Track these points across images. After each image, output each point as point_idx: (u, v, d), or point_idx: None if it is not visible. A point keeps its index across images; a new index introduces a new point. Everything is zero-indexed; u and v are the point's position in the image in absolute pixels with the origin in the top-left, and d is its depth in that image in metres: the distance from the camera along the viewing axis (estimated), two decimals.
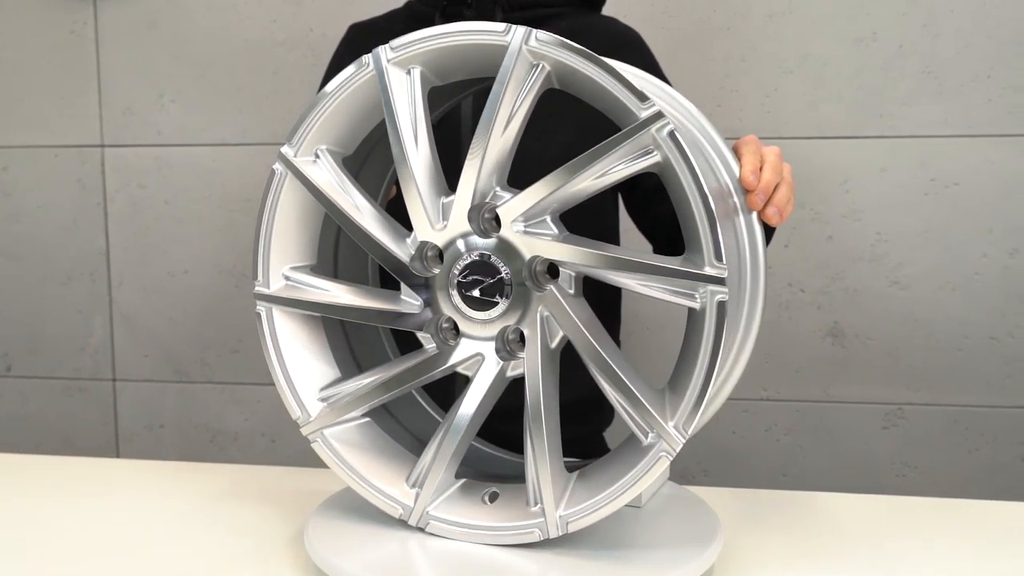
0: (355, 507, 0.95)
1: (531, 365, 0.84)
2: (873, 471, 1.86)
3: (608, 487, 0.82)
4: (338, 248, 1.01)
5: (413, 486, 0.90)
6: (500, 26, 0.82)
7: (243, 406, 2.05)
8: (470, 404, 0.88)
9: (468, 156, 0.84)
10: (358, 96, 0.90)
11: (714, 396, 0.91)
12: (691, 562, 0.83)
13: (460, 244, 0.86)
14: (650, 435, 0.82)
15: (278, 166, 0.91)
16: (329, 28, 1.91)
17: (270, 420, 2.04)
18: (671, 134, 0.77)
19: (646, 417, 0.81)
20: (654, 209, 1.25)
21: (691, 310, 0.83)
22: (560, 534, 0.84)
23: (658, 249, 1.28)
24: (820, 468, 1.87)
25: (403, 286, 0.90)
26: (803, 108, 1.78)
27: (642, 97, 0.78)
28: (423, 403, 1.02)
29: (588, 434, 1.35)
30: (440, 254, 0.87)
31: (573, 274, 0.84)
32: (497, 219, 0.84)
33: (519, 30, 0.81)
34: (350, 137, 0.94)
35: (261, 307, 0.93)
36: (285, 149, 0.91)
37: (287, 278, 0.93)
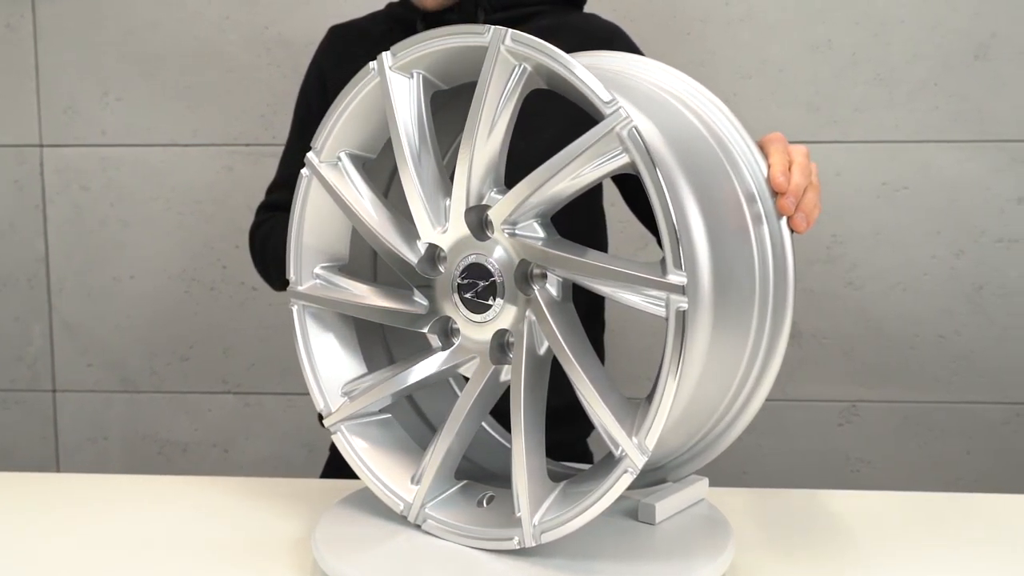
0: (368, 509, 0.94)
1: (515, 370, 0.83)
2: (829, 467, 1.91)
3: (581, 500, 0.79)
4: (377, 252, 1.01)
5: (415, 482, 0.91)
6: (480, 27, 0.81)
7: (193, 416, 1.98)
8: (464, 406, 0.88)
9: (458, 159, 0.84)
10: (370, 101, 0.91)
11: (739, 415, 0.88)
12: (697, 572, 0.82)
13: (460, 246, 0.86)
14: (620, 449, 0.78)
15: (305, 171, 0.94)
16: (285, 27, 1.86)
17: (222, 430, 1.98)
18: (631, 133, 0.73)
19: (611, 431, 0.78)
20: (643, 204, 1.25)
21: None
22: (534, 544, 0.81)
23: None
24: (779, 466, 1.91)
25: (413, 287, 0.92)
26: (761, 113, 1.81)
27: (606, 96, 0.74)
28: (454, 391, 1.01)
29: (573, 439, 1.35)
30: (433, 256, 0.89)
31: (560, 280, 0.82)
32: (480, 221, 0.84)
33: (493, 30, 0.80)
34: (371, 141, 0.95)
35: (294, 303, 0.96)
36: (311, 155, 0.93)
37: (318, 276, 0.96)
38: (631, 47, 1.28)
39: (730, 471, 1.92)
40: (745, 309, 0.81)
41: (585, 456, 1.35)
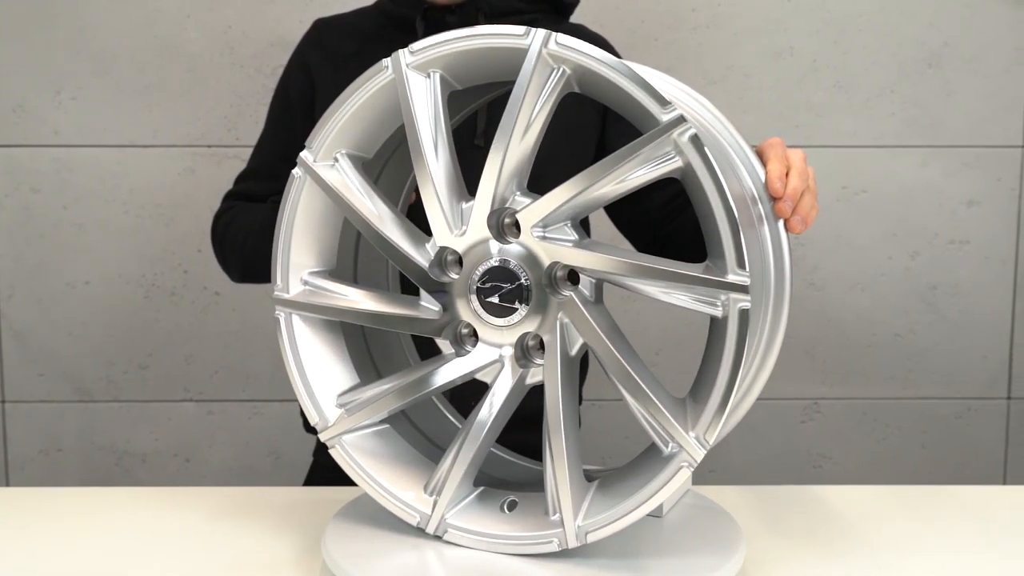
0: (372, 517, 0.93)
1: (550, 372, 0.83)
2: (792, 463, 1.96)
3: (627, 497, 0.81)
4: (358, 253, 0.98)
5: (431, 493, 0.89)
6: (520, 29, 0.81)
7: (153, 425, 1.92)
8: (489, 411, 0.87)
9: (488, 161, 0.83)
10: (378, 99, 0.88)
11: (737, 405, 0.91)
12: (715, 572, 0.84)
13: (479, 250, 0.84)
14: (671, 445, 0.81)
15: (297, 171, 0.90)
16: (249, 27, 1.82)
17: (183, 439, 1.93)
18: (693, 138, 0.76)
19: (666, 427, 0.80)
20: (668, 226, 1.22)
21: (713, 319, 0.83)
22: (578, 544, 0.82)
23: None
24: (744, 462, 1.95)
25: (422, 291, 0.89)
26: (727, 118, 1.85)
27: (663, 101, 0.76)
28: (442, 408, 0.99)
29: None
30: (459, 260, 0.86)
31: (593, 281, 0.83)
32: (517, 224, 0.83)
33: (538, 33, 0.80)
34: (370, 141, 0.92)
35: (280, 312, 0.92)
36: (305, 154, 0.89)
37: (306, 283, 0.93)
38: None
39: (698, 469, 1.94)
40: (754, 307, 0.84)
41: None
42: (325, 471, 1.29)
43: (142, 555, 0.93)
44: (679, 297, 0.79)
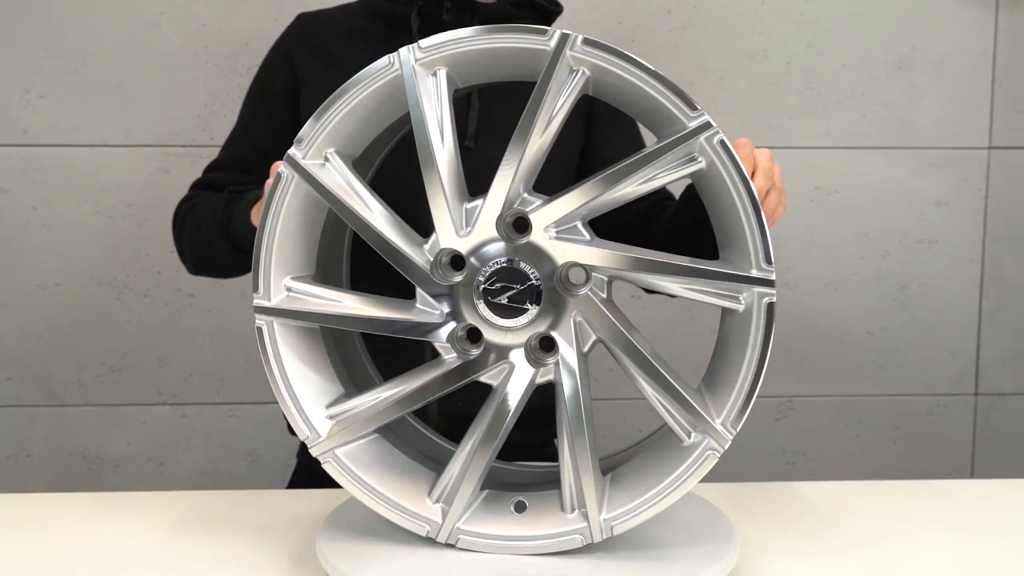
0: (364, 518, 0.91)
1: (568, 370, 0.84)
2: (767, 460, 1.98)
3: (652, 488, 0.84)
4: (342, 256, 0.97)
5: (437, 501, 0.87)
6: (540, 29, 0.82)
7: (126, 429, 1.89)
8: (498, 413, 0.86)
9: (504, 162, 0.83)
10: (373, 96, 0.86)
11: None
12: (718, 561, 0.85)
13: (485, 250, 0.84)
14: (694, 434, 0.84)
15: (284, 169, 0.86)
16: (224, 25, 1.80)
17: (157, 443, 1.90)
18: (722, 143, 0.81)
19: (693, 415, 0.83)
20: (640, 235, 1.21)
21: (725, 311, 0.86)
22: (604, 538, 0.84)
23: None
24: (720, 460, 1.97)
25: (420, 294, 0.87)
26: None
27: (692, 106, 0.81)
28: (410, 419, 0.98)
29: (539, 442, 1.35)
30: (456, 261, 0.84)
31: (604, 279, 0.84)
32: (522, 224, 0.83)
33: (559, 34, 0.81)
34: (359, 140, 0.90)
35: (261, 321, 0.86)
36: (293, 151, 0.85)
37: (289, 289, 0.88)
38: None
39: None
40: None
41: (552, 458, 1.35)
42: (309, 473, 1.27)
43: (120, 562, 0.91)
44: (697, 292, 0.82)
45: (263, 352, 0.87)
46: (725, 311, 0.86)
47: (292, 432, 1.29)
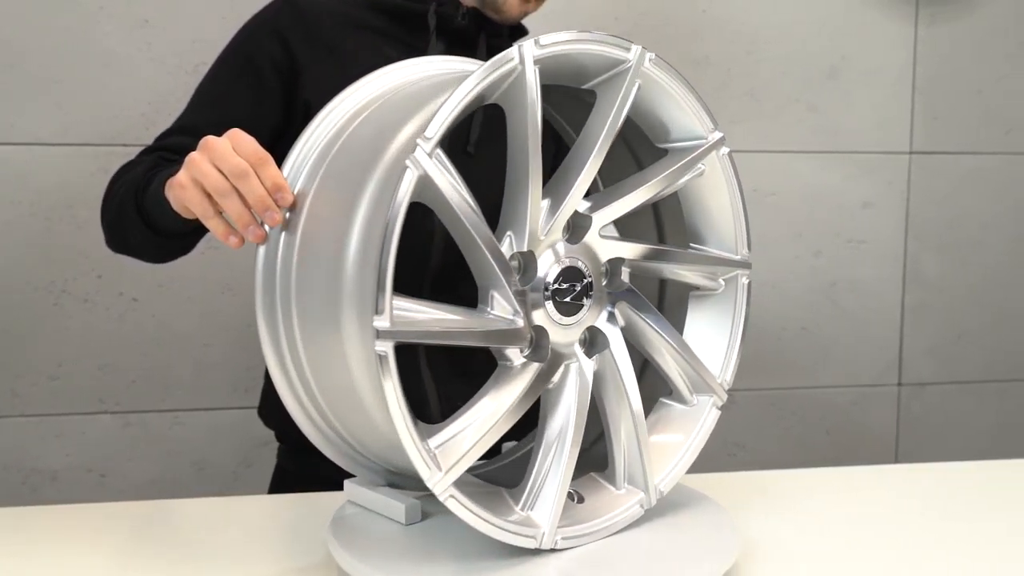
0: (369, 516, 0.88)
1: (620, 358, 0.89)
2: (709, 451, 2.05)
3: (677, 448, 0.93)
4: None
5: (526, 509, 0.83)
6: (624, 41, 0.86)
7: (64, 440, 1.81)
8: (581, 410, 0.85)
9: (587, 166, 0.84)
10: (478, 88, 0.79)
11: None
12: (721, 553, 0.87)
13: (552, 251, 0.84)
14: (696, 397, 0.95)
15: (414, 167, 0.73)
16: (169, 22, 1.75)
17: (98, 453, 1.83)
18: (730, 155, 0.93)
19: (703, 375, 0.93)
20: None
21: (694, 297, 0.98)
22: (655, 501, 0.90)
23: None
24: None
25: (494, 299, 0.81)
26: None
27: (715, 122, 0.91)
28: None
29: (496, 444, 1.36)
30: (522, 263, 0.82)
31: (628, 271, 0.92)
32: (587, 226, 0.87)
33: (639, 48, 0.86)
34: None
35: (384, 347, 0.71)
36: (420, 152, 0.73)
37: (396, 306, 0.75)
38: None
39: None
40: None
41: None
42: (291, 477, 1.25)
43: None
44: (690, 275, 0.94)
45: (387, 382, 0.72)
46: (695, 296, 0.98)
47: (282, 438, 1.27)
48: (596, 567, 0.81)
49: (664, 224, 1.02)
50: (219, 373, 1.83)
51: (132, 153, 1.76)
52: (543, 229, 0.83)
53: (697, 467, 0.97)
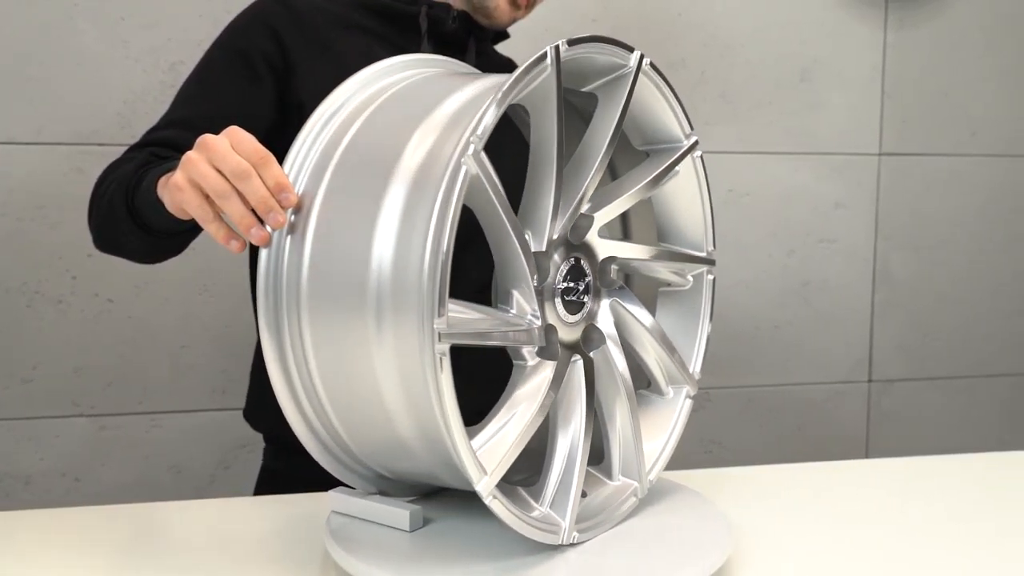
0: (365, 518, 0.88)
1: (616, 353, 0.91)
2: (686, 449, 2.08)
3: (658, 439, 0.96)
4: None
5: (546, 505, 0.84)
6: (627, 46, 0.87)
7: (38, 443, 1.78)
8: (587, 406, 0.86)
9: (596, 168, 0.86)
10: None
11: None
12: (716, 549, 0.87)
13: (560, 251, 0.86)
14: (671, 387, 0.99)
15: (472, 165, 0.72)
16: (145, 19, 1.73)
17: (73, 457, 1.80)
18: (701, 158, 0.98)
19: (678, 368, 0.97)
20: None
21: (670, 291, 1.02)
22: (647, 490, 0.93)
23: None
24: None
25: (515, 299, 0.81)
26: None
27: (691, 126, 0.95)
28: None
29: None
30: (538, 264, 0.83)
31: (617, 268, 0.93)
32: (590, 225, 0.88)
33: (639, 54, 0.87)
34: None
35: (442, 349, 0.71)
36: (476, 143, 0.72)
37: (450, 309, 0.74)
38: None
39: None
40: None
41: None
42: (280, 478, 1.25)
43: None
44: (663, 272, 0.98)
45: (441, 384, 0.71)
46: (663, 293, 1.02)
47: (270, 439, 1.27)
48: (612, 558, 0.82)
49: (630, 222, 1.06)
50: (196, 375, 1.81)
51: (106, 153, 1.75)
52: (555, 230, 0.84)
53: (674, 464, 1.00)
